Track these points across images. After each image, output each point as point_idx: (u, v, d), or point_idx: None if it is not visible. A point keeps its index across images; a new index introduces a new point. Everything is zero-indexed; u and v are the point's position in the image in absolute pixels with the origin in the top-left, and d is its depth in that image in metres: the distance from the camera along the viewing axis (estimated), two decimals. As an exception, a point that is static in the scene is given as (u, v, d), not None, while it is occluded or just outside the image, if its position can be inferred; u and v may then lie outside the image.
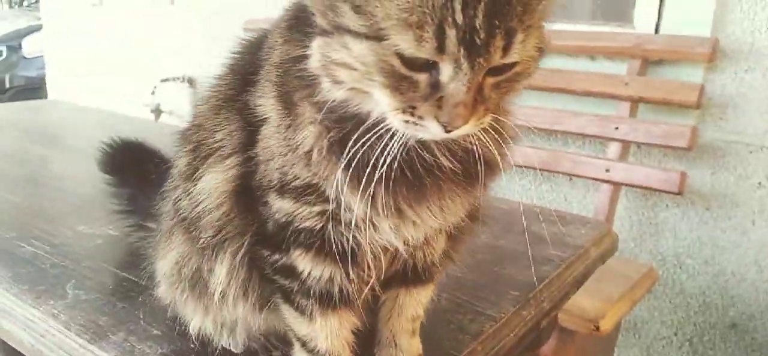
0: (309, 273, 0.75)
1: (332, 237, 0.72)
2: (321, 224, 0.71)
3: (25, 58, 6.45)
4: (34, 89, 5.98)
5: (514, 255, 1.23)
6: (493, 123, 0.64)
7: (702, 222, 2.07)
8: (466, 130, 0.59)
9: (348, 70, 0.60)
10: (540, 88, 2.15)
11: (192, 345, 0.89)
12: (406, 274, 0.84)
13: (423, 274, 0.85)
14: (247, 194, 0.76)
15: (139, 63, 3.94)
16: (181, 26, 3.65)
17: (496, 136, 0.66)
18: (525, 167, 2.18)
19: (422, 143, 0.65)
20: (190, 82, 3.69)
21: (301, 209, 0.71)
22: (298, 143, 0.67)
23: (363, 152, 0.63)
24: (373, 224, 0.70)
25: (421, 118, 0.58)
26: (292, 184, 0.70)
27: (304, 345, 0.80)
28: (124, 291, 1.05)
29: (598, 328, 1.12)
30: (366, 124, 0.63)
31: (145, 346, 0.89)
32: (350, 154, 0.63)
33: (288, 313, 0.80)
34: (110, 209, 1.31)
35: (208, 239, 0.79)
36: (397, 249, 0.75)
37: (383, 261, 0.78)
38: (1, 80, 6.37)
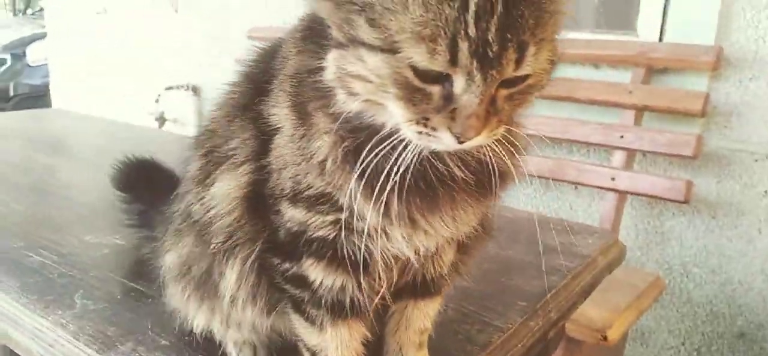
0: (321, 283, 0.75)
1: (345, 246, 0.72)
2: (334, 234, 0.72)
3: (30, 66, 6.47)
4: (38, 97, 6.00)
5: (521, 265, 1.22)
6: (506, 134, 0.64)
7: (708, 231, 2.07)
8: (479, 141, 0.60)
9: (363, 83, 0.60)
10: (544, 96, 2.14)
11: (200, 356, 0.89)
12: (415, 286, 0.85)
13: (432, 286, 0.85)
14: (258, 201, 0.76)
15: (143, 71, 3.95)
16: (186, 35, 3.66)
17: (510, 146, 0.66)
18: (531, 175, 2.16)
19: (436, 154, 0.66)
20: (194, 90, 3.70)
21: (314, 219, 0.71)
22: (313, 153, 0.68)
23: (377, 162, 0.64)
24: (386, 233, 0.71)
25: (434, 129, 0.59)
26: (305, 193, 0.70)
27: (314, 355, 0.80)
28: (131, 301, 1.05)
29: (605, 338, 1.12)
30: (380, 134, 0.63)
31: (153, 356, 0.89)
32: (364, 164, 0.64)
33: (298, 323, 0.80)
34: (116, 218, 1.32)
35: (219, 244, 0.80)
36: (408, 259, 0.76)
37: (395, 271, 0.78)
38: (6, 88, 6.39)
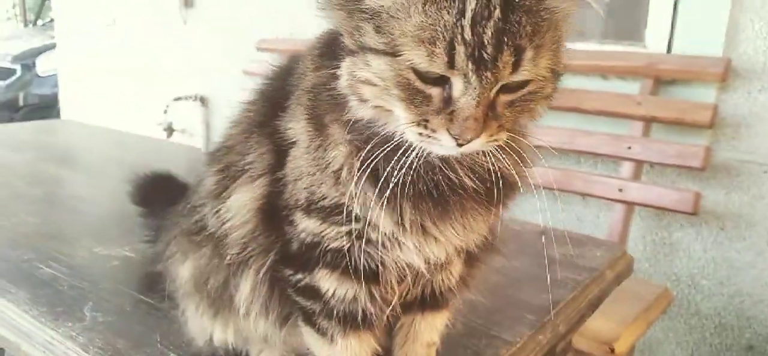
0: (333, 293, 0.76)
1: (358, 257, 0.73)
2: (348, 244, 0.73)
3: (39, 76, 6.52)
4: (48, 107, 6.04)
5: (528, 278, 1.22)
6: (511, 143, 0.66)
7: (716, 243, 2.06)
8: (477, 144, 0.62)
9: (370, 87, 0.63)
10: (552, 107, 2.15)
11: (209, 369, 0.89)
12: (423, 299, 0.85)
13: (440, 299, 0.86)
14: (272, 212, 0.78)
15: (152, 82, 3.98)
16: (194, 46, 3.69)
17: (516, 156, 0.68)
18: (539, 186, 2.16)
19: (446, 163, 0.68)
20: (203, 101, 3.72)
21: (328, 230, 0.73)
22: (328, 162, 0.70)
23: (391, 171, 0.66)
24: (399, 242, 0.72)
25: (434, 130, 0.61)
26: (320, 203, 0.72)
27: (324, 368, 0.80)
28: (141, 314, 1.06)
29: (612, 350, 1.12)
30: (392, 144, 0.65)
31: (162, 369, 0.90)
32: (379, 172, 0.66)
33: (309, 335, 0.81)
34: (126, 230, 1.33)
35: (234, 255, 0.81)
36: (418, 270, 0.77)
37: (408, 279, 0.79)
38: (15, 98, 6.44)
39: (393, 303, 0.80)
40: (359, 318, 0.77)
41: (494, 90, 0.60)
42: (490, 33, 0.56)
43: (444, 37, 0.57)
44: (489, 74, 0.58)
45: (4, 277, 1.15)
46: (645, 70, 2.10)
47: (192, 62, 3.72)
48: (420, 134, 0.61)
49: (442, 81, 0.59)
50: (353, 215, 0.70)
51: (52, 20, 6.71)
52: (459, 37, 0.56)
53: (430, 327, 0.87)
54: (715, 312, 2.09)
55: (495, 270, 1.19)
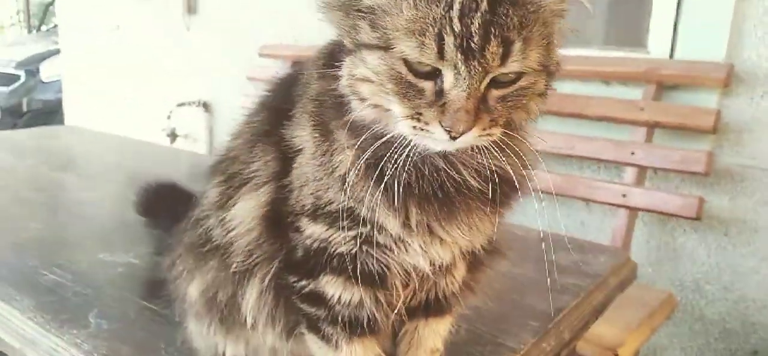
0: (338, 298, 0.76)
1: (365, 261, 0.74)
2: (355, 249, 0.73)
3: (43, 82, 6.55)
4: (51, 113, 6.07)
5: (532, 284, 1.22)
6: (511, 144, 0.67)
7: (720, 248, 2.05)
8: (470, 138, 0.62)
9: (367, 84, 0.65)
10: (555, 113, 2.16)
11: (213, 377, 0.89)
12: (427, 304, 0.85)
13: (444, 304, 0.86)
14: (277, 220, 0.78)
15: (156, 88, 3.99)
16: (197, 52, 3.70)
17: (516, 158, 0.69)
18: (542, 192, 2.16)
19: (450, 164, 0.69)
20: (206, 106, 3.74)
21: (335, 235, 0.73)
22: (335, 166, 0.70)
23: (396, 171, 0.67)
24: (405, 244, 0.73)
25: (427, 123, 0.62)
26: (326, 208, 0.72)
27: (330, 375, 0.80)
28: (145, 321, 1.06)
29: (617, 356, 1.11)
30: (395, 144, 0.66)
31: (166, 377, 0.90)
32: (384, 174, 0.67)
33: (313, 343, 0.81)
34: (130, 236, 1.33)
35: (240, 263, 0.81)
36: (423, 273, 0.77)
37: (415, 281, 0.79)
38: (19, 104, 6.47)
39: (398, 307, 0.81)
40: (365, 323, 0.77)
41: (484, 82, 0.61)
42: (477, 24, 0.58)
43: (433, 28, 0.59)
44: (477, 64, 0.59)
45: (9, 284, 1.15)
46: (647, 75, 2.10)
47: (195, 68, 3.74)
48: (414, 127, 0.63)
49: (433, 75, 0.61)
50: (360, 218, 0.71)
51: (55, 26, 6.74)
52: (448, 27, 0.58)
53: (434, 334, 0.87)
54: (720, 318, 2.09)
55: (500, 277, 1.19)
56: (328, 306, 0.77)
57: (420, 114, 0.62)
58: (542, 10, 0.63)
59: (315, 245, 0.75)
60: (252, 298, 0.81)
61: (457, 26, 0.58)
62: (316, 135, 0.73)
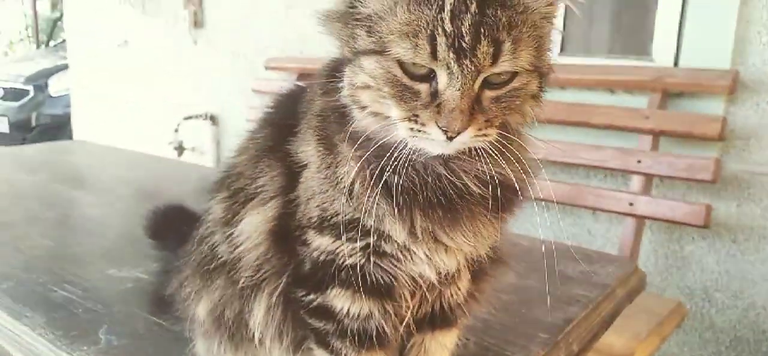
0: (347, 311, 0.76)
1: (371, 271, 0.75)
2: (363, 260, 0.74)
3: (52, 96, 6.61)
4: (60, 127, 6.11)
5: (540, 295, 1.22)
6: (509, 148, 0.68)
7: (729, 255, 2.04)
8: (466, 138, 0.64)
9: (366, 91, 0.67)
10: (561, 122, 2.16)
11: (223, 392, 0.90)
12: (433, 317, 0.85)
13: (449, 315, 0.86)
14: (284, 234, 0.79)
15: (163, 101, 4.02)
16: (204, 65, 3.72)
17: (516, 164, 0.69)
18: (548, 201, 2.16)
19: (451, 171, 0.70)
20: (213, 119, 3.76)
21: (341, 246, 0.74)
22: (340, 178, 0.72)
23: (399, 179, 0.69)
24: (411, 253, 0.74)
25: (423, 125, 0.64)
26: (332, 220, 0.73)
27: (338, 390, 0.80)
28: (154, 337, 1.06)
29: (627, 368, 1.11)
30: (397, 152, 0.68)
31: (176, 393, 0.90)
32: (389, 183, 0.69)
33: None
34: (139, 251, 1.34)
35: (248, 278, 0.81)
36: (429, 282, 0.78)
37: (424, 287, 0.79)
38: (28, 119, 6.53)
39: (406, 318, 0.81)
40: (373, 336, 0.78)
41: (477, 82, 0.63)
42: (467, 24, 0.61)
43: (426, 30, 0.62)
44: (470, 63, 0.61)
45: (20, 301, 1.16)
46: (652, 83, 2.10)
47: (202, 81, 3.76)
48: (411, 129, 0.65)
49: (428, 77, 0.63)
50: (366, 229, 0.72)
51: (64, 41, 6.80)
52: (439, 28, 0.61)
53: (441, 347, 0.87)
54: (730, 326, 2.07)
55: (507, 288, 1.19)
56: (337, 319, 0.77)
57: (417, 116, 0.64)
58: (531, 12, 0.65)
59: (322, 257, 0.75)
60: (259, 313, 0.82)
61: (448, 27, 0.61)
62: (321, 149, 0.74)
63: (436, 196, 0.70)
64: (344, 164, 0.71)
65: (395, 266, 0.75)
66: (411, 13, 0.63)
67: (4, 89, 6.65)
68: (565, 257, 1.39)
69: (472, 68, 0.62)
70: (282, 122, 0.82)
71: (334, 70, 0.73)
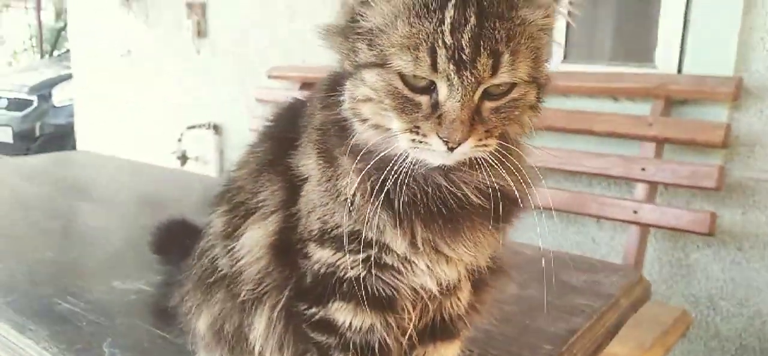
0: (349, 325, 0.76)
1: (373, 284, 0.75)
2: (364, 273, 0.74)
3: (55, 106, 6.63)
4: (63, 137, 6.13)
5: (543, 306, 1.21)
6: (509, 158, 0.68)
7: (734, 263, 2.03)
8: (467, 148, 0.65)
9: (367, 103, 0.67)
10: (564, 129, 2.15)
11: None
12: (434, 328, 0.85)
13: (451, 327, 0.86)
14: (285, 247, 0.79)
15: (166, 110, 4.03)
16: (207, 75, 3.74)
17: (516, 174, 0.70)
18: (552, 209, 2.16)
19: (451, 182, 0.70)
20: (216, 128, 3.77)
21: (342, 259, 0.74)
22: (340, 190, 0.72)
23: (399, 190, 0.69)
24: (411, 265, 0.74)
25: (425, 136, 0.65)
26: (333, 232, 0.73)
27: (340, 405, 0.80)
28: (158, 349, 1.06)
29: (632, 379, 1.10)
30: (397, 164, 0.68)
31: (180, 406, 0.90)
32: (390, 194, 0.69)
33: None
34: (142, 262, 1.34)
35: (249, 292, 0.81)
36: (431, 293, 0.78)
37: (426, 298, 0.79)
38: (32, 129, 6.55)
39: (409, 331, 0.81)
40: (376, 349, 0.78)
41: (477, 93, 0.64)
42: (467, 37, 0.62)
43: (426, 42, 0.63)
44: (469, 75, 0.62)
45: (24, 314, 1.16)
46: (656, 91, 2.10)
47: (205, 91, 3.77)
48: (412, 140, 0.65)
49: (428, 89, 0.64)
50: (367, 240, 0.72)
51: (68, 51, 6.82)
52: (440, 41, 0.62)
53: None
54: (736, 334, 2.06)
55: (510, 299, 1.19)
56: (339, 333, 0.77)
57: (418, 127, 0.65)
58: (528, 24, 0.66)
59: (323, 270, 0.75)
60: (260, 327, 0.81)
61: (448, 40, 0.62)
62: (321, 162, 0.74)
63: (436, 207, 0.70)
64: (344, 176, 0.72)
65: (396, 278, 0.75)
66: (412, 26, 0.64)
67: (8, 99, 6.68)
68: (569, 266, 1.38)
69: (472, 80, 0.63)
70: (282, 135, 0.82)
71: (334, 84, 0.73)
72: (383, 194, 0.69)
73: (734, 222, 2.01)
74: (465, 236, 0.73)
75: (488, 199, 0.71)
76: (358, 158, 0.70)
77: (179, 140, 3.84)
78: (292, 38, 3.20)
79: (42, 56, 9.92)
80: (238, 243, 0.82)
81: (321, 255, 0.75)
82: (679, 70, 2.15)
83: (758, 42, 1.93)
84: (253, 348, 0.83)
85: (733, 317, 2.06)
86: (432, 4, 0.63)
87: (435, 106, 0.64)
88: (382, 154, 0.69)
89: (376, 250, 0.72)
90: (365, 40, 0.67)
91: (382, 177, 0.69)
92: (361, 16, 0.67)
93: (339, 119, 0.72)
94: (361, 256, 0.73)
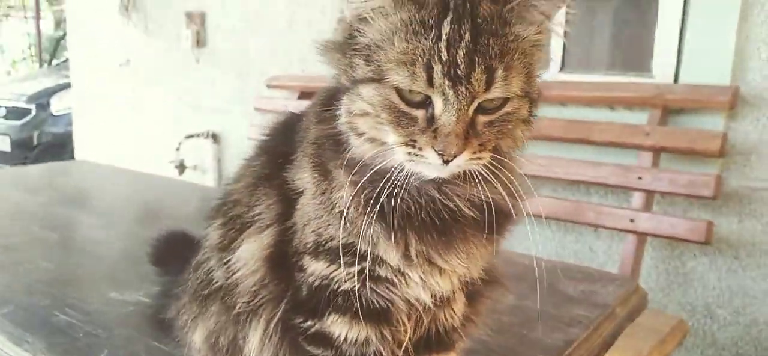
0: (345, 337, 0.77)
1: (367, 296, 0.75)
2: (358, 285, 0.75)
3: (53, 115, 6.63)
4: (61, 146, 6.13)
5: (541, 316, 1.22)
6: (502, 172, 0.70)
7: (731, 271, 2.04)
8: (462, 161, 0.66)
9: (364, 118, 0.68)
10: (561, 139, 2.16)
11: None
12: (429, 340, 0.85)
13: (446, 338, 0.86)
14: (281, 261, 0.79)
15: (165, 120, 4.04)
16: (206, 84, 3.74)
17: (508, 186, 0.71)
18: (548, 218, 2.18)
19: (444, 194, 0.71)
20: (214, 138, 3.77)
21: (337, 271, 0.75)
22: (334, 203, 0.73)
23: (394, 203, 0.70)
24: (405, 277, 0.75)
25: (421, 149, 0.66)
26: (327, 245, 0.74)
27: (336, 418, 0.80)
28: (155, 361, 1.06)
29: (629, 389, 1.10)
30: (392, 177, 0.69)
31: (176, 419, 0.90)
32: (383, 207, 0.70)
33: None
34: (140, 274, 1.34)
35: (244, 304, 0.82)
36: (425, 306, 0.78)
37: (420, 310, 0.80)
38: (30, 137, 6.55)
39: (404, 343, 0.81)
40: None
41: (472, 107, 0.65)
42: (462, 53, 0.63)
43: (422, 58, 0.64)
44: (464, 90, 0.64)
45: (21, 326, 1.16)
46: (652, 100, 2.11)
47: (204, 100, 3.78)
48: (408, 153, 0.66)
49: (424, 104, 0.66)
50: (361, 253, 0.72)
51: (66, 60, 6.83)
52: (436, 57, 0.63)
53: None
54: (732, 342, 2.06)
55: (507, 309, 1.19)
56: (335, 346, 0.77)
57: (414, 141, 0.66)
58: (521, 40, 0.67)
59: (318, 282, 0.76)
60: (255, 340, 0.82)
61: (444, 56, 0.63)
62: (316, 175, 0.75)
63: (430, 219, 0.71)
64: (339, 189, 0.73)
65: (391, 290, 0.76)
66: (408, 42, 0.65)
67: (6, 107, 6.68)
68: (566, 276, 1.38)
69: (467, 94, 0.64)
70: (278, 149, 0.83)
71: (329, 99, 0.74)
72: (377, 207, 0.70)
73: (731, 231, 2.02)
74: (458, 248, 0.74)
75: (481, 211, 0.72)
76: (354, 171, 0.71)
77: (177, 149, 3.84)
78: (291, 48, 3.21)
79: (41, 65, 9.92)
80: (233, 256, 0.82)
81: (316, 268, 0.76)
82: (676, 80, 2.16)
83: (754, 51, 1.94)
84: None
85: (729, 325, 2.06)
86: (428, 21, 0.65)
87: (431, 120, 0.66)
88: (377, 167, 0.70)
89: (370, 262, 0.73)
90: (362, 56, 0.68)
91: (376, 190, 0.69)
92: (359, 32, 0.69)
93: (334, 133, 0.73)
94: (356, 268, 0.74)
